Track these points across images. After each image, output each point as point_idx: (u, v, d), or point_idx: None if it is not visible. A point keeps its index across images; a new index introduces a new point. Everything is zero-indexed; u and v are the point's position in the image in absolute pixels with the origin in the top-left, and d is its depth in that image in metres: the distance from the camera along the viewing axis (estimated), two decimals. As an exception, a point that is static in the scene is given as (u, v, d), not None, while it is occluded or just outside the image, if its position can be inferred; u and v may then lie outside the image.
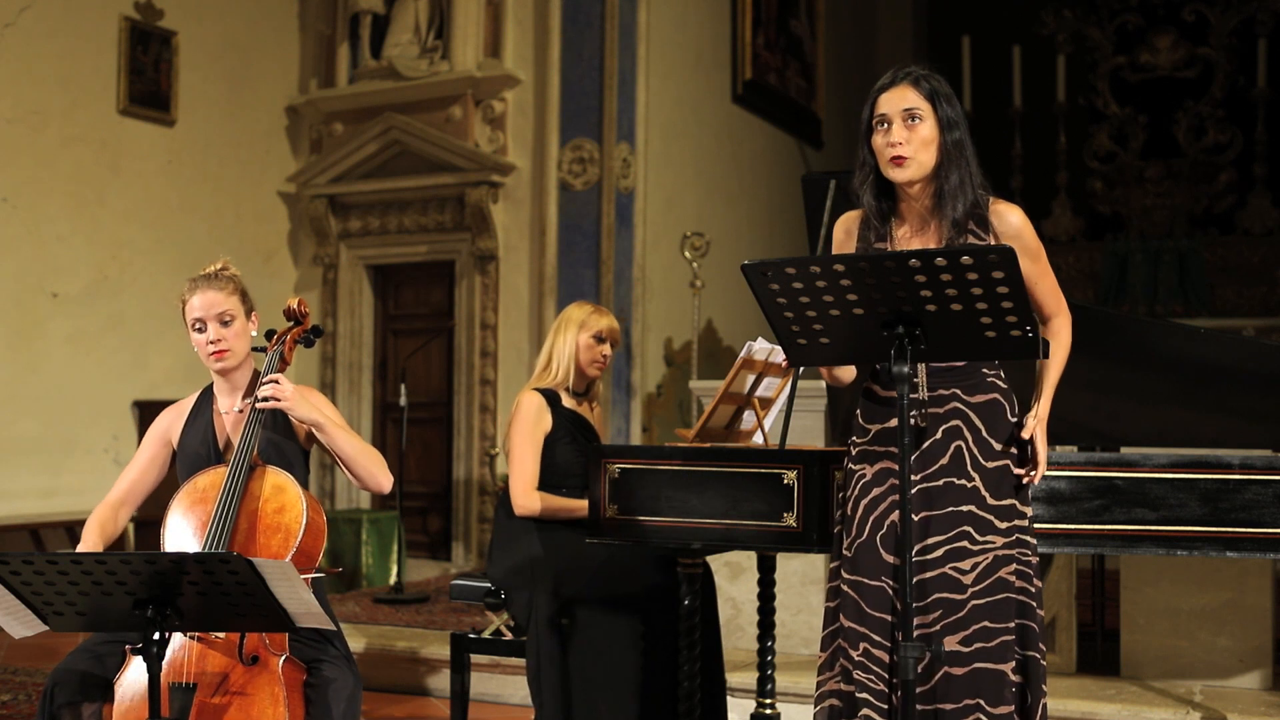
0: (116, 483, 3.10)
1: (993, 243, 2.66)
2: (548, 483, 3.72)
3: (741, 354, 3.44)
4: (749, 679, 4.26)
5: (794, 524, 3.05)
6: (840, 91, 11.08)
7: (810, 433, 4.80)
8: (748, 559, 4.81)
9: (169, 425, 3.11)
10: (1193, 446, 3.65)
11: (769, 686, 3.94)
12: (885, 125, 2.65)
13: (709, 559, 3.64)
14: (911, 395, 2.66)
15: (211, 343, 2.98)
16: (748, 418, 3.67)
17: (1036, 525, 3.20)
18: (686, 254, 7.84)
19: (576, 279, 8.01)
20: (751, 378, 3.51)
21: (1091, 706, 4.11)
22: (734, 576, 4.95)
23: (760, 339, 3.45)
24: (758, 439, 3.68)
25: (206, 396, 3.11)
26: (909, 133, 2.63)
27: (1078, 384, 3.74)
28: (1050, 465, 3.20)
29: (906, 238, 2.72)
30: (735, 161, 9.58)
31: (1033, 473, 2.69)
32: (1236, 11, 10.85)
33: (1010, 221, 2.69)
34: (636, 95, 8.12)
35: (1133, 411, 3.93)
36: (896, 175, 2.66)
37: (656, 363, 8.38)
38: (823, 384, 4.64)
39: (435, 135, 8.31)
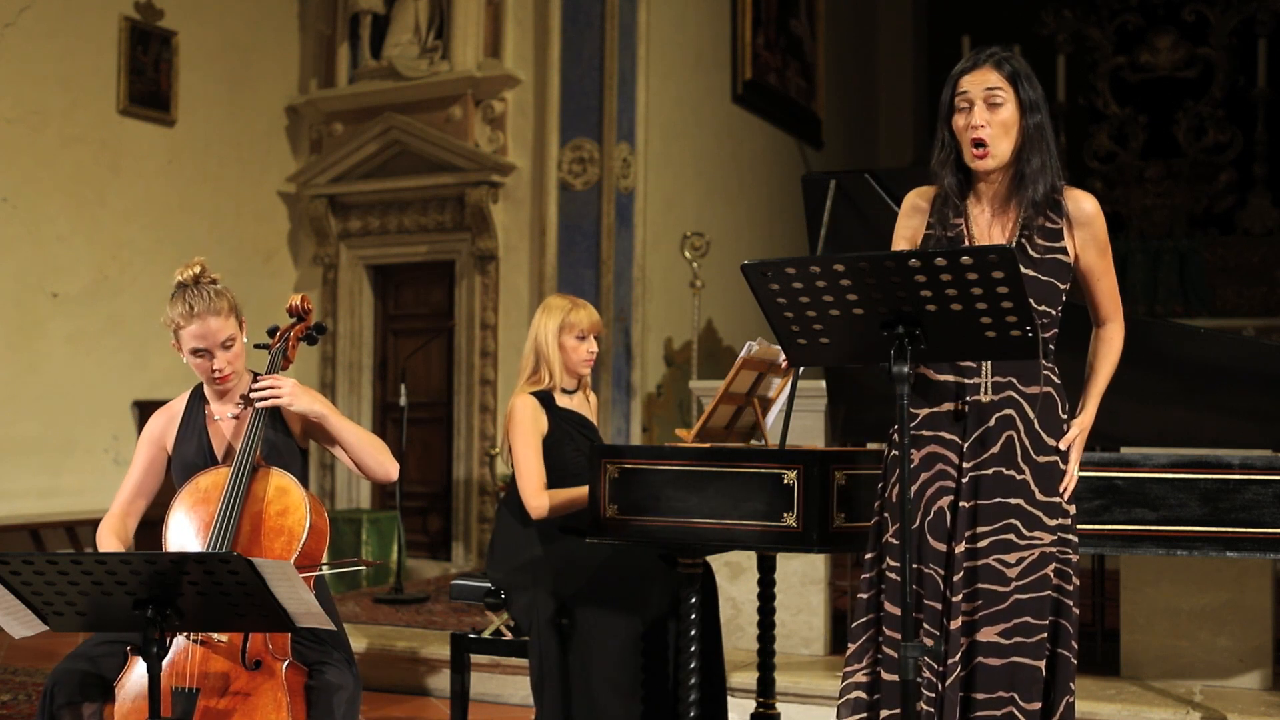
0: (118, 493, 3.06)
1: (1065, 228, 2.68)
2: (552, 484, 3.70)
3: (741, 354, 3.44)
4: (749, 679, 4.26)
5: (794, 524, 3.05)
6: (840, 91, 11.08)
7: (810, 433, 4.80)
8: (748, 559, 4.81)
9: (163, 430, 3.07)
10: (1193, 446, 3.65)
11: (769, 686, 3.94)
12: (967, 106, 2.65)
13: (709, 559, 3.64)
14: (973, 380, 2.67)
15: (217, 370, 2.94)
16: (748, 417, 3.67)
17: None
18: (686, 254, 7.84)
19: (576, 279, 8.01)
20: (752, 378, 3.51)
21: (1091, 706, 4.11)
22: (734, 576, 4.95)
23: (760, 339, 3.45)
24: (758, 439, 3.68)
25: (197, 401, 3.07)
26: (991, 114, 2.63)
27: (1078, 384, 3.75)
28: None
29: (985, 219, 2.71)
30: (735, 161, 9.57)
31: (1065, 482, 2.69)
32: (1236, 11, 10.86)
33: (1084, 208, 2.70)
34: (636, 95, 8.12)
35: (1133, 411, 3.93)
36: (978, 165, 2.66)
37: (656, 363, 8.38)
38: (823, 384, 4.64)
39: (435, 135, 8.31)
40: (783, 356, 3.45)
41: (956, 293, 2.37)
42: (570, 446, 3.71)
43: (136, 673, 2.67)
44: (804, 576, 4.89)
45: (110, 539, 2.96)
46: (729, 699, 3.81)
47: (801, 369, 3.48)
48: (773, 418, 3.67)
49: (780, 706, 4.03)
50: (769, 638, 3.93)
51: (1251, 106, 10.70)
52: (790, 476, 3.06)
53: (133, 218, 7.92)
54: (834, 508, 3.05)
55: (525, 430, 3.66)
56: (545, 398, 3.73)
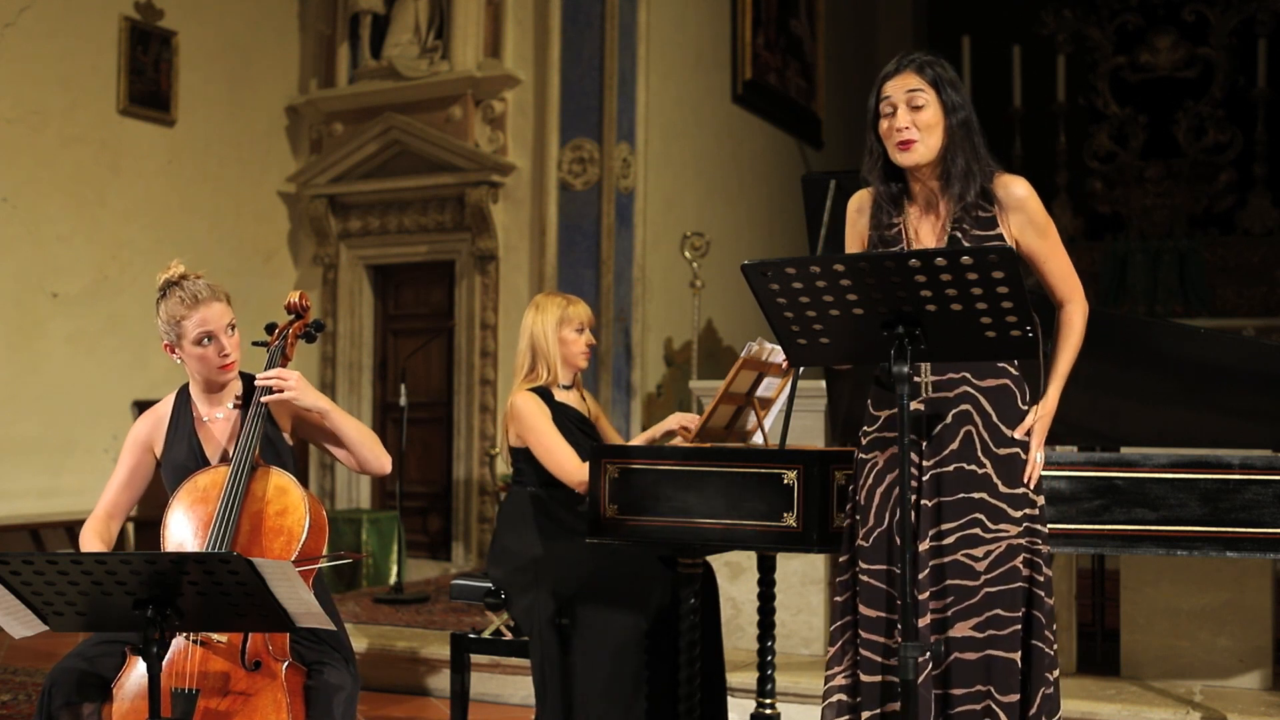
0: (102, 496, 3.04)
1: (998, 214, 2.69)
2: (549, 476, 3.71)
3: (742, 354, 3.43)
4: (749, 679, 4.25)
5: (794, 524, 3.05)
6: (840, 91, 11.07)
7: (810, 433, 4.80)
8: (748, 559, 4.81)
9: (150, 434, 3.04)
10: (1193, 446, 3.64)
11: (769, 686, 3.94)
12: (891, 111, 2.69)
13: (709, 559, 3.64)
14: (919, 379, 2.68)
15: (224, 355, 2.93)
16: (747, 417, 3.67)
17: (1036, 525, 3.20)
18: (686, 254, 7.84)
19: (576, 279, 8.01)
20: (752, 378, 3.51)
21: (1091, 706, 4.11)
22: (734, 576, 4.95)
23: (760, 339, 3.45)
24: (758, 439, 3.68)
25: (184, 403, 3.04)
26: (914, 116, 2.66)
27: (1077, 384, 3.74)
28: (1050, 465, 3.20)
29: (917, 217, 2.75)
30: (735, 161, 9.57)
31: (1028, 470, 2.68)
32: (1236, 11, 10.85)
33: (1014, 193, 2.71)
34: (636, 95, 8.12)
35: (1133, 411, 3.93)
36: (904, 160, 2.69)
37: (656, 363, 8.38)
38: (823, 384, 4.64)
39: (435, 135, 8.31)
40: (783, 356, 3.44)
41: (956, 293, 2.37)
42: (570, 440, 3.72)
43: (135, 673, 2.67)
44: (804, 576, 4.88)
45: (94, 541, 2.95)
46: (729, 699, 3.81)
47: (801, 369, 3.48)
48: (773, 418, 3.67)
49: (780, 706, 4.02)
50: (769, 638, 3.93)
51: (1251, 106, 10.69)
52: (790, 476, 3.05)
53: (133, 218, 7.92)
54: (834, 508, 3.05)
55: (538, 420, 3.67)
56: (544, 393, 3.74)
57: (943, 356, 2.60)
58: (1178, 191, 10.91)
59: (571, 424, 3.75)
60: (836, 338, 2.53)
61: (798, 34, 10.46)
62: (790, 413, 3.53)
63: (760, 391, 3.59)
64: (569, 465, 3.63)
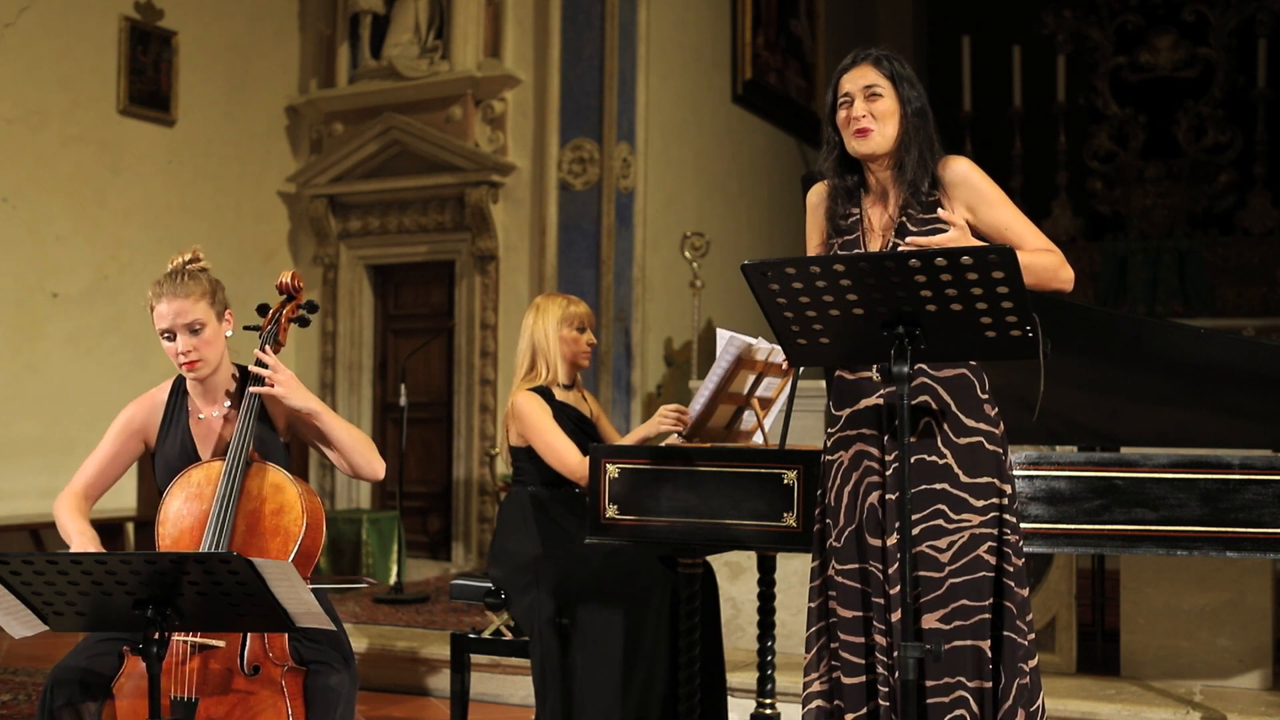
0: (80, 472, 2.96)
1: (942, 197, 2.73)
2: (549, 475, 3.71)
3: (733, 350, 3.42)
4: (749, 679, 4.25)
5: (794, 524, 3.05)
6: (840, 91, 11.04)
7: (810, 433, 4.79)
8: (748, 559, 4.81)
9: (144, 422, 2.97)
10: (1193, 446, 3.65)
11: (769, 686, 3.94)
12: (848, 102, 2.75)
13: (709, 559, 3.64)
14: (866, 374, 2.69)
15: (182, 354, 2.83)
16: (748, 418, 3.67)
17: (1037, 525, 3.21)
18: (686, 254, 7.84)
19: (576, 279, 8.01)
20: (750, 377, 3.51)
21: (1091, 706, 4.11)
22: (734, 576, 4.94)
23: (760, 337, 3.45)
24: (758, 439, 3.68)
25: (180, 396, 2.97)
26: (870, 105, 2.72)
27: (1077, 384, 3.74)
28: (1050, 465, 3.22)
29: (871, 204, 2.81)
30: (735, 161, 9.57)
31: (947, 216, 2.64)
32: (1236, 11, 10.85)
33: (955, 170, 2.75)
34: (636, 95, 8.12)
35: (1133, 411, 3.93)
36: (860, 148, 2.74)
37: (656, 363, 8.38)
38: (823, 384, 4.64)
39: (435, 135, 8.31)
40: (782, 356, 3.44)
41: (956, 293, 2.37)
42: (571, 440, 3.72)
43: (136, 673, 2.67)
44: (804, 576, 4.86)
45: (75, 516, 2.88)
46: (729, 699, 3.81)
47: (801, 369, 3.48)
48: (773, 418, 3.67)
49: (780, 706, 4.02)
50: (769, 638, 3.93)
51: (1251, 106, 10.68)
52: (790, 476, 3.06)
53: (133, 218, 7.92)
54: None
55: (539, 417, 3.69)
56: (544, 393, 3.75)
57: (943, 356, 2.60)
58: (1178, 191, 10.91)
59: (572, 423, 3.75)
60: (836, 338, 2.53)
61: (798, 34, 10.46)
62: (790, 413, 3.53)
63: (760, 391, 3.59)
64: (571, 460, 3.64)
